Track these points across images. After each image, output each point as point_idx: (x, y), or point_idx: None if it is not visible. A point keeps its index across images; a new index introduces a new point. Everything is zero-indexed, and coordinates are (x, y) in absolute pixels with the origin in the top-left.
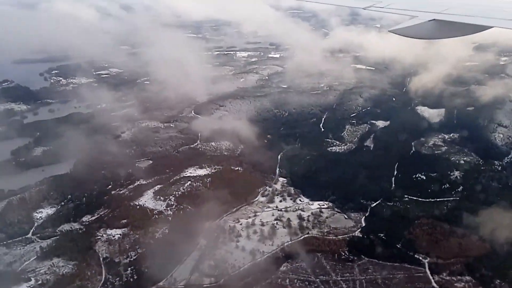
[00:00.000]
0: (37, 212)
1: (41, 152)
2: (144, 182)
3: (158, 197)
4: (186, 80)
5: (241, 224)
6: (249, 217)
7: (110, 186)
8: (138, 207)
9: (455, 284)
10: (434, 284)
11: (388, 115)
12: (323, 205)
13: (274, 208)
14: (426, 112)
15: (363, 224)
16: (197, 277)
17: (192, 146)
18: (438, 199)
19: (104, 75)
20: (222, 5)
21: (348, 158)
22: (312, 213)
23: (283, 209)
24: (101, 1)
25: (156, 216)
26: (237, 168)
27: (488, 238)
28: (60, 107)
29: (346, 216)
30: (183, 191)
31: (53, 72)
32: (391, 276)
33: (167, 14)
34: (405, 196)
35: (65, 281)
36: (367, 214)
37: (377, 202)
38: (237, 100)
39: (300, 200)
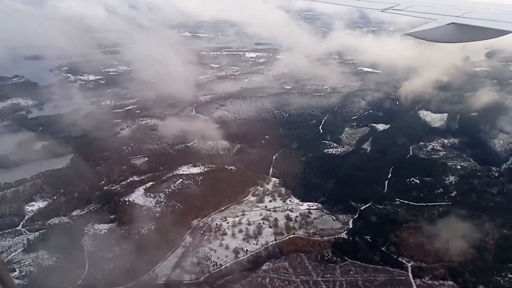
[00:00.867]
0: (29, 205)
1: (41, 146)
2: (137, 179)
3: (149, 193)
4: (191, 80)
5: (227, 223)
6: (237, 216)
7: (103, 182)
8: (127, 203)
9: None
10: None
11: (390, 118)
12: (313, 206)
13: (263, 208)
14: (428, 116)
15: (350, 226)
16: (178, 274)
17: (189, 144)
18: (429, 204)
19: (112, 73)
20: (233, 6)
21: (344, 161)
22: (300, 214)
23: (271, 209)
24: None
25: (144, 213)
26: (230, 167)
27: (475, 244)
28: (65, 103)
29: (334, 218)
30: (173, 188)
31: (63, 68)
32: (372, 278)
33: (178, 14)
34: (397, 199)
35: (48, 273)
36: (355, 217)
37: (367, 205)
38: (238, 100)
39: (290, 200)
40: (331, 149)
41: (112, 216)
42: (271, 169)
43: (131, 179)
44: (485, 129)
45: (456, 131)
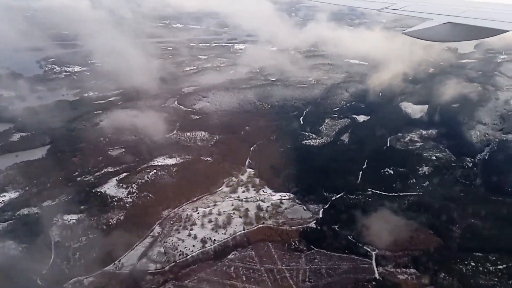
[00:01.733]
0: (0, 196)
1: (19, 137)
2: (111, 170)
3: (121, 184)
4: (176, 71)
5: (198, 213)
6: (208, 207)
7: (77, 173)
8: (99, 194)
9: (398, 276)
10: (377, 275)
11: (371, 110)
12: (285, 196)
13: (236, 198)
14: (409, 108)
15: (320, 216)
16: (144, 263)
17: (167, 135)
18: (401, 194)
19: (98, 64)
20: None
21: (320, 152)
22: (271, 204)
23: (243, 200)
24: None
25: (115, 203)
26: (207, 158)
27: (441, 233)
28: (48, 94)
29: (305, 208)
30: (146, 179)
31: (49, 60)
32: (336, 266)
33: (168, 5)
34: (369, 189)
35: (13, 263)
36: (326, 206)
37: (339, 195)
38: (221, 92)
39: (263, 191)
40: (309, 141)
41: (82, 207)
42: (248, 160)
43: (105, 170)
44: (463, 120)
45: (434, 122)
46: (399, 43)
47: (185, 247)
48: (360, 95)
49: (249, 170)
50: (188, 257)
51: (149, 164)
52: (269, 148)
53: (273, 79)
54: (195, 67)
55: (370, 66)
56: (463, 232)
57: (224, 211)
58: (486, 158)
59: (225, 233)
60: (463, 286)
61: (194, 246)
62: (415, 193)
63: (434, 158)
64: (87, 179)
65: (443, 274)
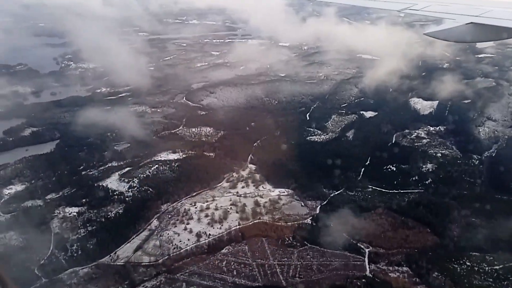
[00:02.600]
0: (7, 189)
1: (30, 132)
2: (115, 164)
3: (123, 179)
4: (187, 67)
5: (196, 208)
6: (207, 201)
7: (82, 167)
8: (101, 187)
9: (390, 274)
10: (368, 273)
11: (379, 106)
12: (284, 192)
13: (235, 193)
14: (419, 103)
15: (317, 212)
16: (139, 256)
17: (173, 131)
18: (401, 191)
19: (112, 61)
20: None
21: (324, 148)
22: (270, 200)
23: (242, 195)
24: None
25: (116, 197)
26: (209, 154)
27: (438, 232)
28: (62, 90)
29: (303, 204)
30: (148, 174)
31: (66, 56)
32: (327, 263)
33: (184, 2)
34: (369, 186)
35: (12, 252)
36: (324, 203)
37: (338, 192)
38: (229, 88)
39: (263, 187)
40: (314, 137)
41: (83, 200)
42: (250, 156)
43: (110, 164)
44: (473, 116)
45: (443, 118)
46: (415, 38)
47: (180, 241)
48: (370, 91)
49: (250, 165)
50: (182, 250)
51: (152, 159)
52: (272, 144)
53: (282, 75)
54: (206, 63)
55: (382, 61)
56: (461, 231)
57: (221, 206)
58: (493, 155)
59: (220, 228)
60: (455, 285)
61: (189, 240)
62: (416, 191)
63: (440, 155)
64: (91, 173)
65: (436, 273)
